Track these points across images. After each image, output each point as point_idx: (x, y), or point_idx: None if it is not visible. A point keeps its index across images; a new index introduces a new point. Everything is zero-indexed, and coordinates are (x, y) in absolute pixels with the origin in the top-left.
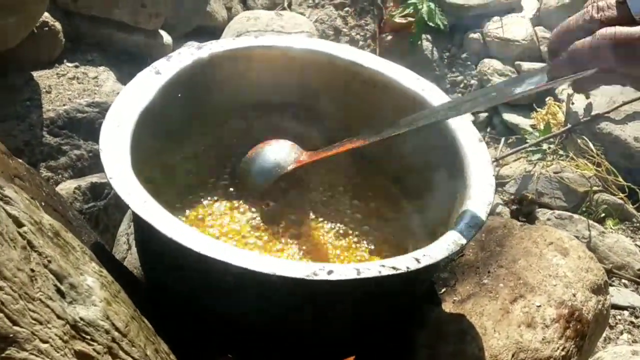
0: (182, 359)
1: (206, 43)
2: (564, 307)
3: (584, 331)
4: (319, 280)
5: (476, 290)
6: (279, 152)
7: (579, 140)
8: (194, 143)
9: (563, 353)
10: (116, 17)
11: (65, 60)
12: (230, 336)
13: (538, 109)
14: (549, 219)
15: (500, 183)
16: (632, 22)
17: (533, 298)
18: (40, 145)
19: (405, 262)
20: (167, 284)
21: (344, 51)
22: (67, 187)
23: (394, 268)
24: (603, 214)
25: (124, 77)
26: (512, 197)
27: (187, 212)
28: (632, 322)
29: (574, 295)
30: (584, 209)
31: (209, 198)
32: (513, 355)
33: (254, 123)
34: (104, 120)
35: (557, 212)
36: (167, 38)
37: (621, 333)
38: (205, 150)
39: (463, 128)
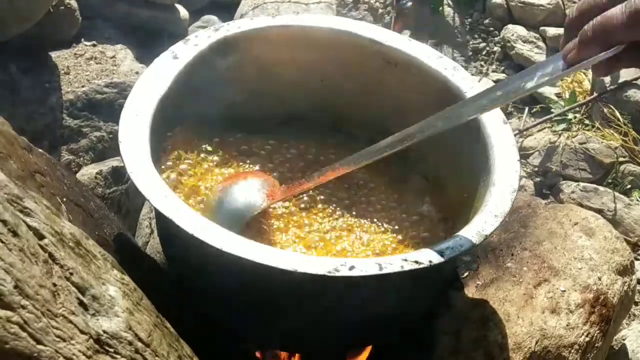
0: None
1: (222, 24)
2: (589, 291)
3: (609, 316)
4: (341, 276)
5: (499, 274)
6: (249, 191)
7: (605, 110)
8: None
9: (587, 339)
10: None
11: (82, 39)
12: (247, 327)
13: (563, 78)
14: (573, 192)
15: (524, 155)
16: None
17: (558, 282)
18: (60, 128)
19: (428, 256)
20: (188, 276)
21: (363, 29)
22: (88, 172)
23: (416, 262)
24: (629, 186)
25: (142, 54)
26: (536, 169)
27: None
28: None
29: (599, 278)
30: (609, 181)
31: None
32: (537, 342)
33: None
34: (123, 109)
35: (582, 184)
36: (183, 12)
37: None
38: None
39: None
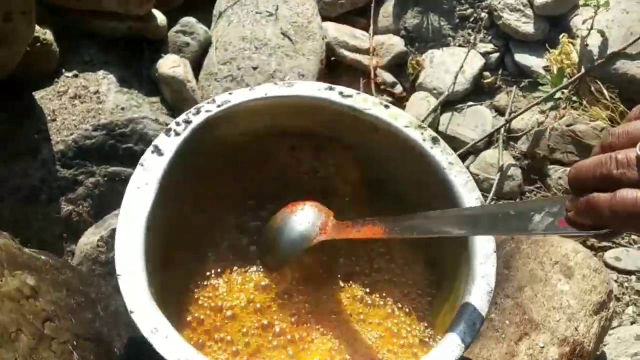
0: None
1: (202, 104)
2: (566, 344)
3: None
4: None
5: (483, 328)
6: (305, 220)
7: (592, 87)
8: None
9: None
10: (105, 7)
11: (63, 70)
12: None
13: (551, 50)
14: (560, 178)
15: (512, 138)
16: None
17: (537, 337)
18: (56, 180)
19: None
20: None
21: (339, 97)
22: (90, 240)
23: None
24: None
25: (125, 75)
26: (524, 154)
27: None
28: (638, 291)
29: (576, 329)
30: None
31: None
32: None
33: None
34: (116, 234)
35: (568, 169)
36: (161, 18)
37: (627, 305)
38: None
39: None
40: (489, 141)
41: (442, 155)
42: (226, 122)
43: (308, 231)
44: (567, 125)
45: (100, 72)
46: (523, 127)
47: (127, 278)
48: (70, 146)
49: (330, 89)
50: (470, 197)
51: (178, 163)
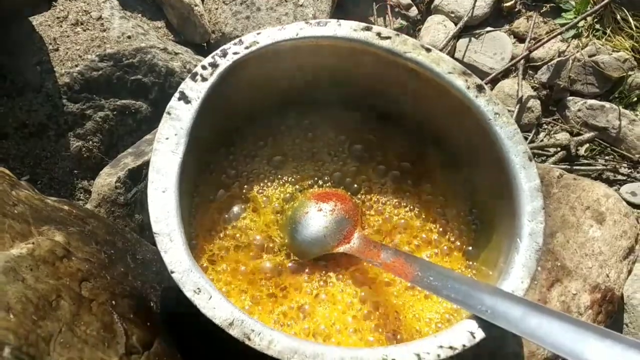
0: None
1: (228, 46)
2: (598, 291)
3: (614, 310)
4: None
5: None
6: (327, 224)
7: (618, 15)
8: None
9: None
10: None
11: None
12: None
13: None
14: (579, 110)
15: (533, 67)
16: None
17: (569, 284)
18: (63, 115)
19: (461, 340)
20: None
21: (378, 38)
22: (107, 182)
23: (451, 348)
24: (635, 99)
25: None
26: (544, 84)
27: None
28: None
29: (608, 275)
30: (616, 95)
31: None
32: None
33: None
34: (148, 191)
35: (588, 102)
36: None
37: None
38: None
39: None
40: (507, 69)
41: (488, 105)
42: (254, 64)
43: (327, 237)
44: (590, 56)
45: None
46: (543, 56)
47: (164, 237)
48: (76, 79)
49: (367, 29)
50: (517, 150)
51: (206, 108)
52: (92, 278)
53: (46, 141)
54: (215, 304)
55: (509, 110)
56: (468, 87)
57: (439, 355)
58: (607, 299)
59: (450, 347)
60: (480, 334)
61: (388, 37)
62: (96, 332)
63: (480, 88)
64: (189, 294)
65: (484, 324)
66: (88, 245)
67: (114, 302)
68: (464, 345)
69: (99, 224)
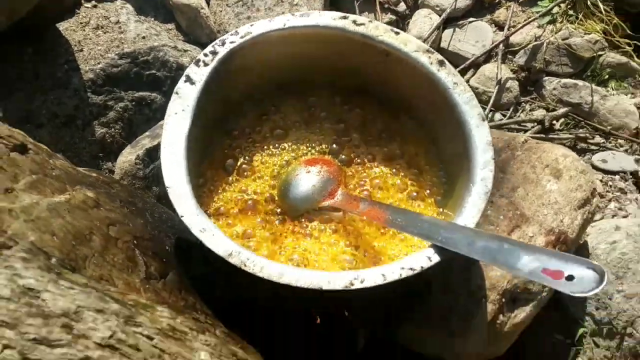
0: None
1: (225, 36)
2: (552, 233)
3: (567, 250)
4: (355, 288)
5: (480, 223)
6: (315, 182)
7: (589, 1)
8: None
9: None
10: None
11: (82, 1)
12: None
13: None
14: (554, 89)
15: (511, 52)
16: None
17: (527, 229)
18: (88, 107)
19: (420, 263)
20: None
21: (354, 25)
22: (128, 159)
23: (411, 269)
24: (607, 76)
25: (141, 2)
26: (522, 66)
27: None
28: (621, 189)
29: (562, 221)
30: (588, 73)
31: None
32: (508, 282)
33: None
34: (161, 153)
35: (562, 80)
36: None
37: (610, 201)
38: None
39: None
40: (489, 55)
41: (448, 77)
42: (249, 51)
43: (314, 194)
44: (563, 39)
45: (118, 2)
46: (521, 41)
47: (175, 189)
48: (99, 74)
49: (344, 17)
50: (472, 113)
51: (209, 89)
52: (117, 224)
53: (74, 129)
54: (217, 240)
55: (489, 92)
56: (431, 63)
57: (401, 275)
58: (560, 240)
59: (411, 269)
60: (436, 258)
61: (362, 24)
62: (121, 261)
63: (441, 63)
64: (195, 232)
65: (440, 250)
66: (113, 202)
67: (135, 242)
68: (422, 267)
69: (122, 188)
